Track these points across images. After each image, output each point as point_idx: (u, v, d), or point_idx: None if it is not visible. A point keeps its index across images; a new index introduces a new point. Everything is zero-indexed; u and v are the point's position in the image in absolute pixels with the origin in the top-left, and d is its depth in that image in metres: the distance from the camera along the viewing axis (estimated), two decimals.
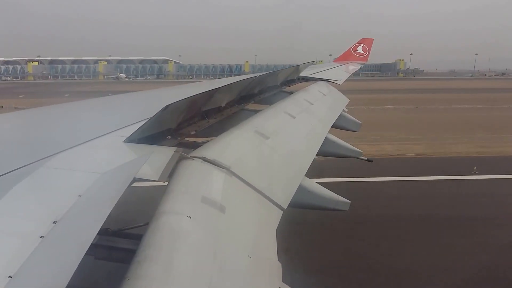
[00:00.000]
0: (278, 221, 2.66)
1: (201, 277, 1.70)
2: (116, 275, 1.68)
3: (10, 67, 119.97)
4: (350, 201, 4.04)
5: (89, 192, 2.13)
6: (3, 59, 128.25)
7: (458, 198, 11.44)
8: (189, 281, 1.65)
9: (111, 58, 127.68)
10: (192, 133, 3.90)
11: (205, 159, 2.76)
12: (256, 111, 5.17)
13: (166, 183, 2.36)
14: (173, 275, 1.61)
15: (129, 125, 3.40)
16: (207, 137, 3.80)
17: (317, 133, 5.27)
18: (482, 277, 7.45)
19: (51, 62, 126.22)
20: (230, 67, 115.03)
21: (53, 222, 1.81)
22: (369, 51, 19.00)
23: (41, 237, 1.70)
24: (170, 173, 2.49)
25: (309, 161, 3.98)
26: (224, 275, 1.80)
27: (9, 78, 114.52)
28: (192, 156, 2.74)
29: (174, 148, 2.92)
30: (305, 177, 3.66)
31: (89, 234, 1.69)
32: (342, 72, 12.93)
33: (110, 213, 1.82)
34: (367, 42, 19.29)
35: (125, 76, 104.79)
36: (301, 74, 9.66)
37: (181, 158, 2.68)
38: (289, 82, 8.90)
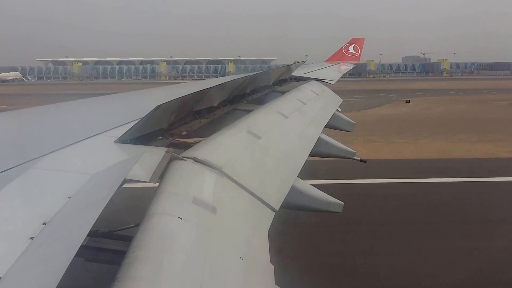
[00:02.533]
0: (270, 223, 2.65)
1: (192, 279, 1.70)
2: (106, 277, 1.67)
3: (148, 66, 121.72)
4: (343, 203, 4.04)
5: (79, 193, 2.11)
6: (141, 59, 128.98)
7: None
8: (179, 283, 1.64)
9: (235, 58, 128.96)
10: (184, 133, 3.88)
11: (196, 160, 2.75)
12: (248, 111, 5.16)
13: (157, 184, 2.36)
14: (164, 277, 1.60)
15: (120, 125, 3.38)
16: (199, 137, 3.79)
17: (310, 133, 5.27)
18: None
19: (174, 62, 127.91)
20: None
21: (43, 224, 1.80)
22: (360, 50, 19.09)
23: (31, 238, 1.69)
24: (161, 173, 2.48)
25: (301, 161, 3.98)
26: (215, 277, 1.79)
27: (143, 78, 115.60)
28: (183, 157, 2.74)
29: (165, 149, 2.91)
30: (298, 178, 3.66)
31: (79, 236, 1.68)
32: (334, 72, 12.97)
33: (100, 214, 1.81)
34: (358, 42, 19.38)
35: None
36: (293, 74, 9.65)
37: (172, 159, 2.68)
38: (281, 81, 8.89)
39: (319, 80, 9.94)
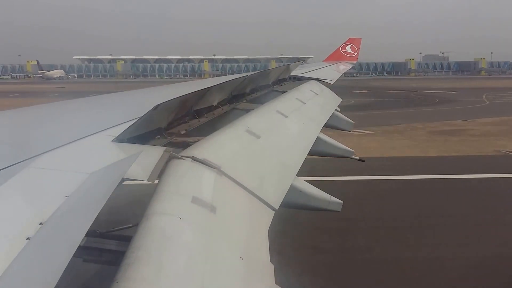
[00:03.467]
0: (269, 222, 2.64)
1: (192, 279, 1.68)
2: (105, 278, 1.65)
3: (188, 64, 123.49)
4: (342, 202, 4.03)
5: (77, 192, 2.09)
6: (178, 57, 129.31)
7: None
8: (180, 284, 1.62)
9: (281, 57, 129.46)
10: (183, 132, 3.87)
11: (195, 159, 2.73)
12: (247, 111, 5.15)
13: (155, 183, 2.33)
14: (164, 278, 1.58)
15: (118, 124, 3.36)
16: (197, 136, 3.76)
17: (309, 132, 5.27)
18: None
19: (213, 61, 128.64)
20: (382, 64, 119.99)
21: (40, 223, 1.77)
22: (358, 50, 19.10)
23: (28, 238, 1.66)
24: (159, 173, 2.45)
25: (300, 160, 3.96)
26: (215, 277, 1.77)
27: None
28: (182, 156, 2.71)
29: (164, 148, 2.89)
30: (297, 177, 3.65)
31: (77, 236, 1.65)
32: (333, 72, 12.97)
33: (98, 214, 1.78)
34: (355, 42, 19.39)
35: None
36: (292, 73, 9.64)
37: (170, 158, 2.65)
38: (280, 81, 8.89)
39: (318, 79, 9.93)
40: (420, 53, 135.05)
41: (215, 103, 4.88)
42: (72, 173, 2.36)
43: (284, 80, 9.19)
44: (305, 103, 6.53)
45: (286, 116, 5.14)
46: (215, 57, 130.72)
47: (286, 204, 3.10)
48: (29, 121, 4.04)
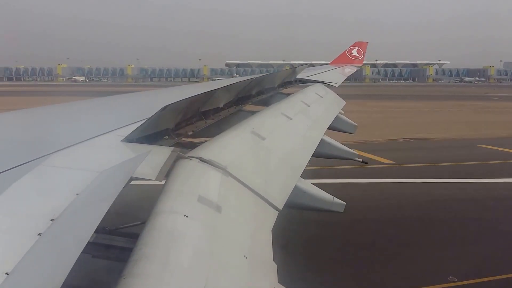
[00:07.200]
0: (273, 222, 2.68)
1: (197, 276, 1.71)
2: (113, 273, 1.69)
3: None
4: (345, 203, 4.06)
5: (87, 190, 2.14)
6: (306, 62, 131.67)
7: None
8: (184, 281, 1.66)
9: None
10: (190, 133, 3.92)
11: (202, 159, 2.77)
12: (253, 112, 5.20)
13: (163, 182, 2.37)
14: (169, 274, 1.62)
15: (128, 124, 3.41)
16: (204, 137, 3.81)
17: (313, 134, 5.30)
18: None
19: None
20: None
21: (51, 220, 1.82)
22: (364, 54, 19.05)
23: (39, 234, 1.71)
24: (167, 172, 2.50)
25: (304, 162, 4.00)
26: (220, 275, 1.81)
27: None
28: (189, 156, 2.76)
29: (172, 148, 2.93)
30: (301, 178, 3.68)
31: (86, 232, 1.70)
32: (338, 75, 12.97)
33: (107, 211, 1.83)
34: (362, 46, 19.37)
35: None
36: (298, 76, 9.69)
37: (178, 158, 2.70)
38: (286, 84, 8.93)
39: (323, 82, 9.96)
40: (500, 60, 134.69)
41: (221, 105, 4.92)
42: (83, 171, 2.41)
43: (290, 82, 9.24)
44: (309, 106, 6.57)
45: (291, 118, 5.18)
46: (377, 62, 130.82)
47: (290, 205, 3.14)
48: (42, 120, 4.11)
